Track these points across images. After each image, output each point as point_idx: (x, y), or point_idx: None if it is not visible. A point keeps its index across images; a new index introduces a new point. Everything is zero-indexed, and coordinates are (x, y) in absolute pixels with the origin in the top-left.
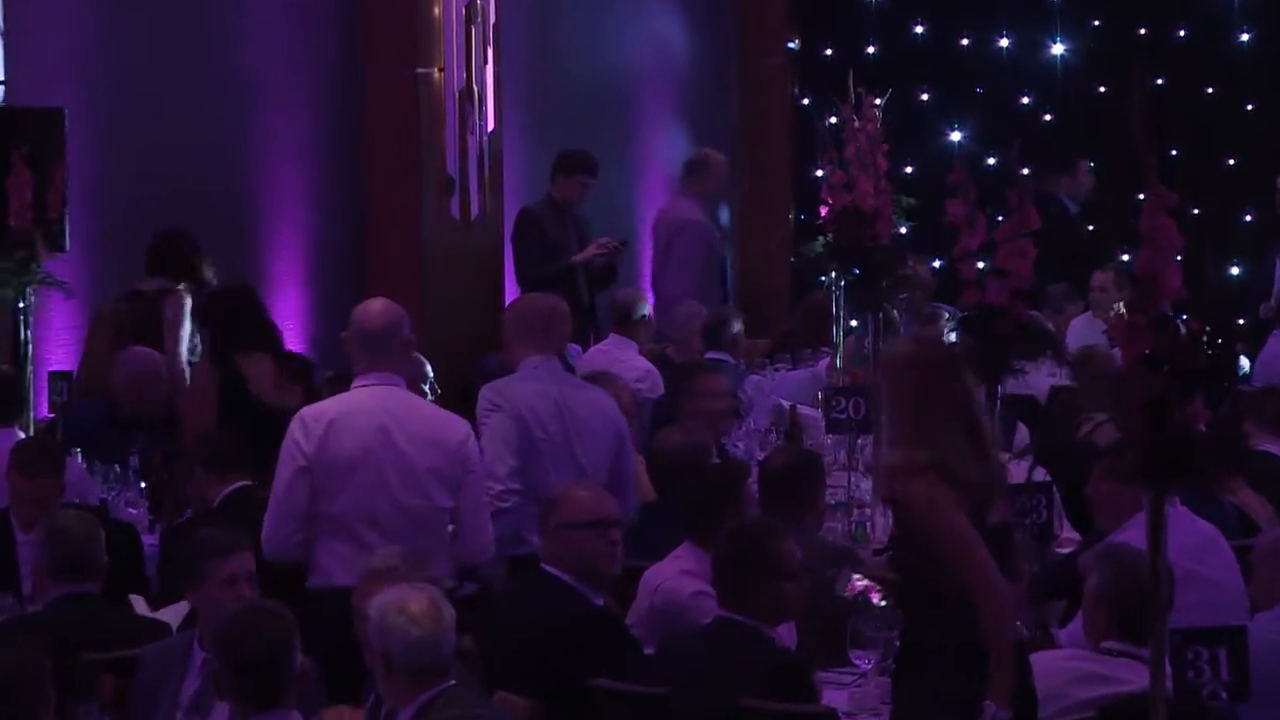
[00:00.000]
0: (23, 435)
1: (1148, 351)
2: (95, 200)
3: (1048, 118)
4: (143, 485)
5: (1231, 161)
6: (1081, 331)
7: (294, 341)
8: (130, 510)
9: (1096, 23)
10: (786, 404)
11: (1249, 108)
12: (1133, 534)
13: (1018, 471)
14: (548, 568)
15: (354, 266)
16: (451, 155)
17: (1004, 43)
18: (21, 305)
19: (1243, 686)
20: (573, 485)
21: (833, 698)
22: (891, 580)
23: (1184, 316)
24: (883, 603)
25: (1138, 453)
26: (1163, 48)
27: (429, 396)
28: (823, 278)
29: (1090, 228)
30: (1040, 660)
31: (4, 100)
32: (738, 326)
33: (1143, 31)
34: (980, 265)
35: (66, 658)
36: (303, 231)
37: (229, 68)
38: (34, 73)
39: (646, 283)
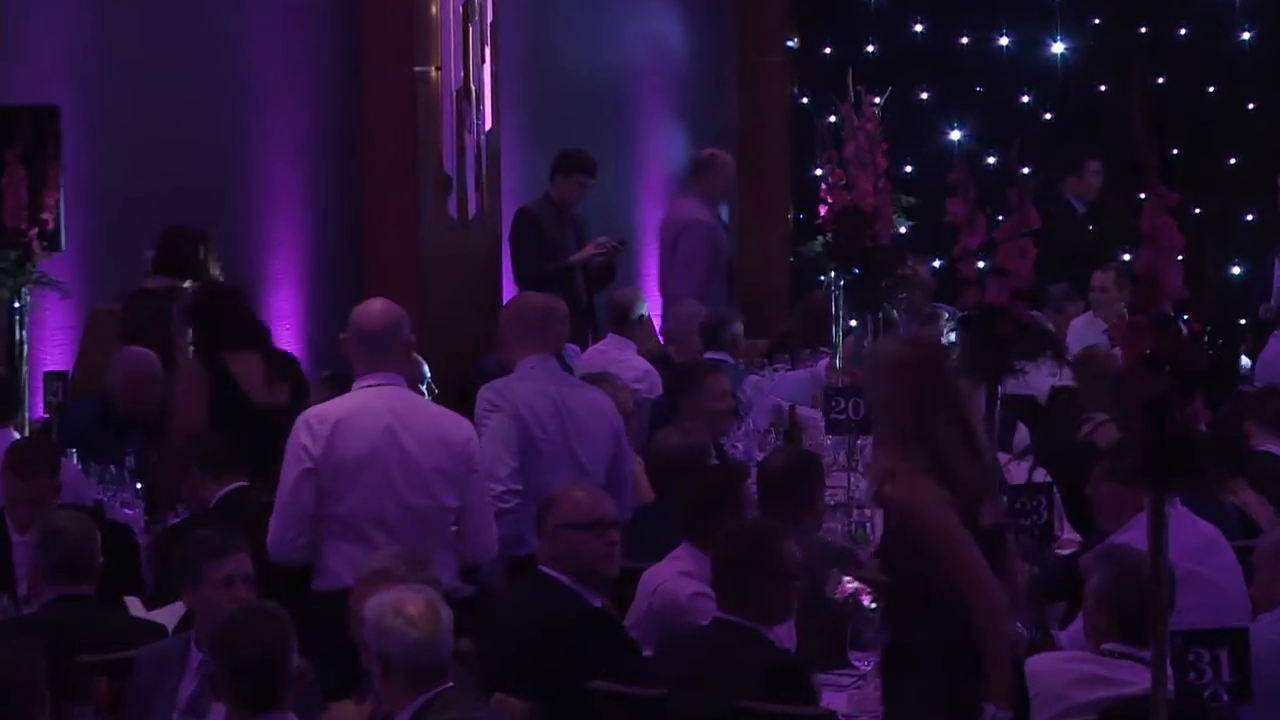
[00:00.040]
0: (18, 436)
1: (1148, 351)
2: (90, 199)
3: (1048, 116)
4: (138, 486)
5: (1233, 160)
6: (1082, 331)
7: (290, 341)
8: (126, 511)
9: (1097, 21)
10: (785, 404)
11: (1250, 106)
12: (1133, 535)
13: (1018, 472)
14: (545, 569)
15: (350, 266)
16: (449, 154)
17: (1004, 41)
18: (17, 305)
19: (1244, 688)
20: (570, 486)
21: (832, 700)
22: (882, 582)
23: (1185, 316)
24: (873, 605)
25: (1138, 453)
26: (1163, 46)
27: (427, 397)
28: (822, 277)
29: (1090, 227)
30: (1041, 662)
31: None
32: (737, 326)
33: (1143, 30)
34: (980, 265)
35: (62, 659)
36: (299, 230)
37: (225, 66)
38: (29, 71)
39: (648, 282)
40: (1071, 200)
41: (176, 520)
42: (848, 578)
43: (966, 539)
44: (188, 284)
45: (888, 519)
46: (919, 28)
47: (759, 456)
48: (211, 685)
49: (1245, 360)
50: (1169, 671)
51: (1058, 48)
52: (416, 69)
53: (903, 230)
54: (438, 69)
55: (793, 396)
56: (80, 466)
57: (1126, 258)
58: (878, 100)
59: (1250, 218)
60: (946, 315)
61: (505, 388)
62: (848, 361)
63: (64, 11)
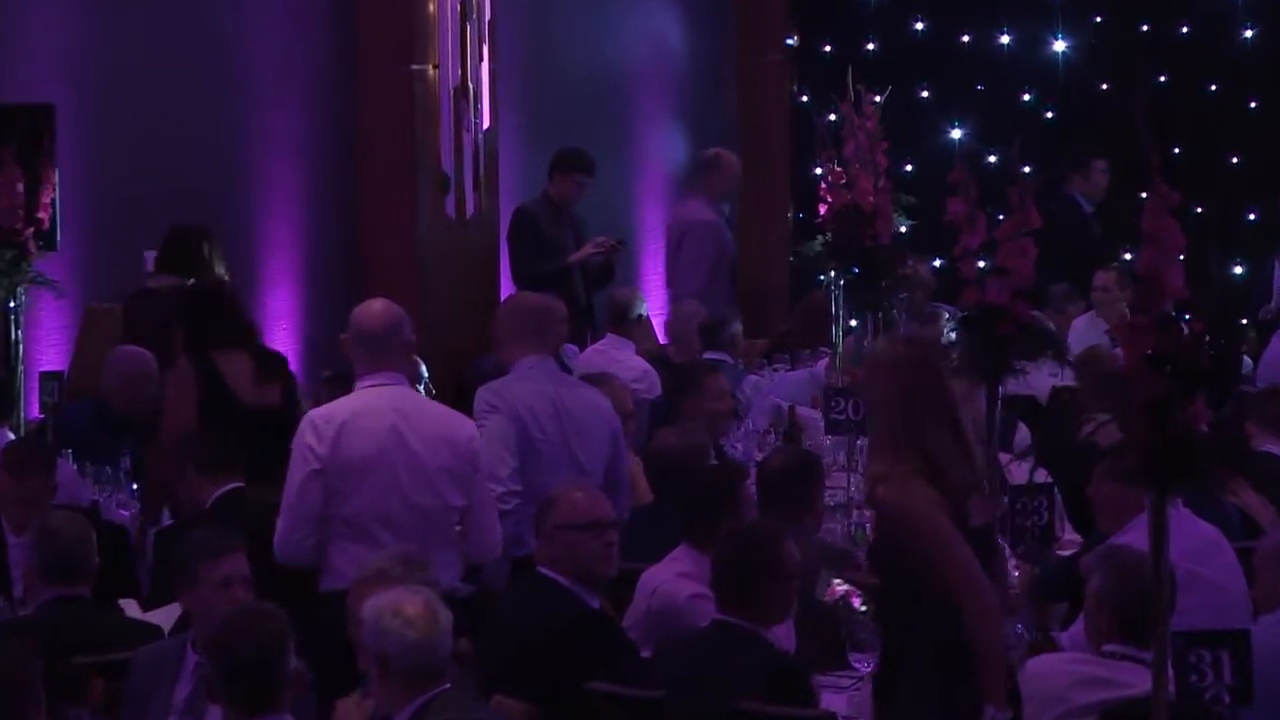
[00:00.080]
0: (13, 436)
1: (1150, 352)
2: (86, 198)
3: (1049, 115)
4: (134, 487)
5: (1235, 160)
6: (1083, 332)
7: (288, 341)
8: (122, 512)
9: (1098, 19)
10: (785, 405)
11: (1252, 105)
12: (1134, 536)
13: (1019, 472)
14: (543, 570)
15: (348, 265)
16: (446, 153)
17: (1005, 39)
18: (12, 305)
19: (1246, 690)
20: (568, 487)
21: (831, 701)
22: (872, 585)
23: (1186, 316)
24: (864, 607)
25: (1140, 454)
26: (1165, 44)
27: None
28: (821, 277)
29: (1096, 227)
30: (1041, 663)
31: None
32: (736, 326)
33: (1145, 28)
34: (981, 264)
35: (57, 660)
36: (296, 230)
37: (222, 64)
38: (24, 69)
39: (647, 282)
40: (1079, 200)
41: (169, 522)
42: (838, 580)
43: (958, 540)
44: (192, 282)
45: (879, 521)
46: (919, 26)
47: (758, 457)
48: (208, 687)
49: (1247, 360)
50: (1170, 673)
51: (1059, 46)
52: (414, 68)
53: (903, 229)
54: (435, 68)
55: (792, 397)
56: (76, 467)
57: (1128, 257)
58: (878, 99)
59: (1252, 217)
60: (947, 315)
61: (503, 388)
62: (847, 361)
63: (60, 10)
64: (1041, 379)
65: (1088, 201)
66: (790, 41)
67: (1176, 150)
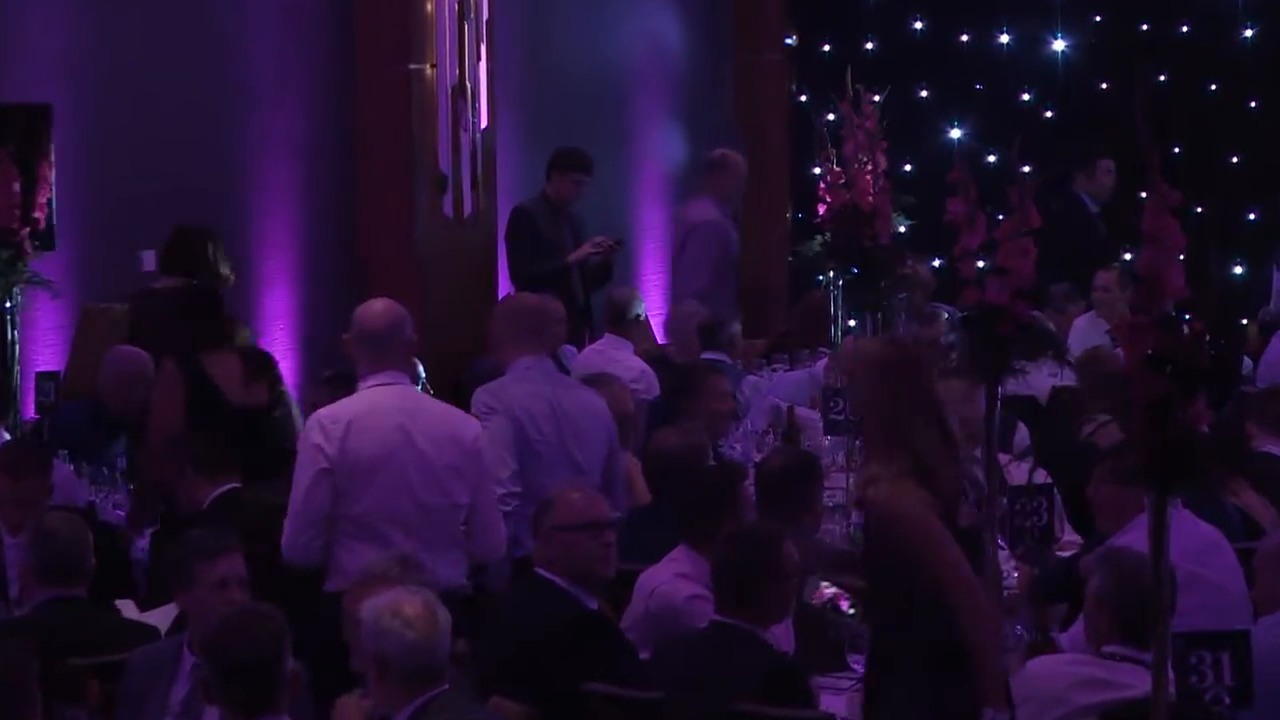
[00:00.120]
0: (8, 437)
1: (1150, 352)
2: (83, 198)
3: (1049, 115)
4: (130, 487)
5: (1235, 159)
6: (1084, 332)
7: (285, 340)
8: (118, 512)
9: (1098, 18)
10: (784, 405)
11: (1252, 105)
12: (1134, 536)
13: (1018, 473)
14: (541, 571)
15: (346, 265)
16: (444, 152)
17: (1004, 39)
18: (8, 305)
19: (1246, 691)
20: (566, 488)
21: (830, 703)
22: (859, 588)
23: (1187, 316)
24: (851, 610)
25: (1140, 454)
26: (1165, 44)
27: None
28: (821, 277)
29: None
30: (1041, 665)
31: None
32: (735, 327)
33: (1145, 27)
34: (981, 264)
35: (53, 661)
36: (293, 230)
37: (219, 64)
38: (21, 69)
39: (645, 282)
40: (1084, 199)
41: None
42: (825, 583)
43: (949, 540)
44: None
45: (869, 522)
46: (918, 25)
47: (757, 457)
48: (204, 688)
49: (1247, 361)
50: (1170, 674)
51: (1059, 45)
52: (412, 67)
53: (902, 229)
54: (433, 67)
55: (791, 397)
56: (72, 468)
57: (1128, 257)
58: (877, 98)
59: (1252, 217)
60: (946, 315)
61: (500, 390)
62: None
63: (58, 10)
64: (1041, 379)
65: (1093, 201)
66: (789, 41)
67: (1176, 150)
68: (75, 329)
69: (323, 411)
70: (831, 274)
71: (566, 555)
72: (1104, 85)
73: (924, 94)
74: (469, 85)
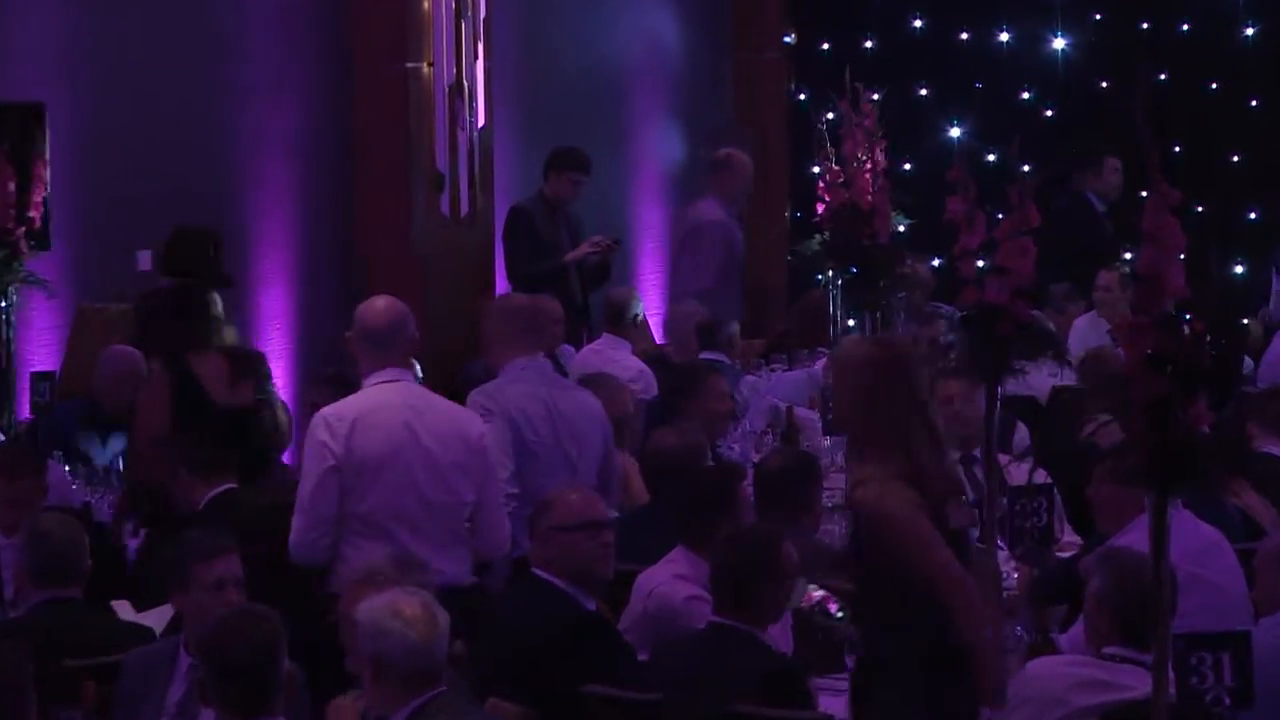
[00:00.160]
0: (3, 437)
1: (1151, 352)
2: (78, 198)
3: (1049, 113)
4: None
5: (1235, 158)
6: (1084, 331)
7: (282, 340)
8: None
9: (1098, 17)
10: (783, 405)
11: (1253, 103)
12: (1135, 537)
13: (1018, 473)
14: (538, 572)
15: (343, 264)
16: (441, 151)
17: (1004, 37)
18: (3, 305)
19: (1246, 692)
20: (563, 488)
21: (829, 704)
22: (847, 591)
23: (1187, 316)
24: (840, 613)
25: (1140, 455)
26: (1165, 42)
27: None
28: (819, 276)
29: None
30: (1041, 666)
31: None
32: (733, 326)
33: (1145, 26)
34: (980, 264)
35: (49, 663)
36: (291, 229)
37: (215, 63)
38: (16, 68)
39: (644, 281)
40: (1091, 198)
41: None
42: (813, 586)
43: (938, 541)
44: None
45: (858, 524)
46: (918, 23)
47: (755, 458)
48: (200, 690)
49: (1248, 361)
50: (1170, 675)
51: (1059, 44)
52: (408, 65)
53: (901, 229)
54: (430, 65)
55: (790, 397)
56: (67, 469)
57: (1128, 256)
58: (876, 97)
59: (1253, 216)
60: (946, 315)
61: (496, 391)
62: None
63: (53, 9)
64: (1041, 379)
65: (1100, 200)
66: (788, 39)
67: (1177, 149)
68: (70, 329)
69: (328, 409)
70: (830, 273)
71: (565, 556)
72: (1104, 84)
73: (923, 92)
74: (466, 84)
